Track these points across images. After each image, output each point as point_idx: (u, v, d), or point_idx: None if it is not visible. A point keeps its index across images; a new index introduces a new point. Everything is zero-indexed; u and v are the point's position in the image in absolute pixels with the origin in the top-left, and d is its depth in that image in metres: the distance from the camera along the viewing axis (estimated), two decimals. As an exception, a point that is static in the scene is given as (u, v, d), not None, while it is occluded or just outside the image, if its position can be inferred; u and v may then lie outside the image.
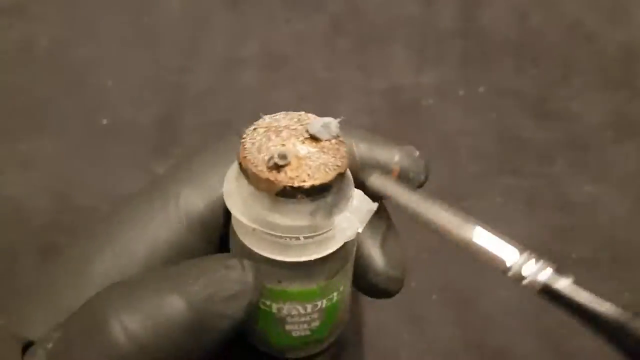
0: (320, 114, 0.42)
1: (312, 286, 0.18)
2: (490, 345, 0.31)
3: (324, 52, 0.43)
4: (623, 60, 0.41)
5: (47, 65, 0.43)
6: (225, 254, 0.18)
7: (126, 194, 0.38)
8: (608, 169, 0.37)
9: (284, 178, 0.15)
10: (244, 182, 0.16)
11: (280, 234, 0.16)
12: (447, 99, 0.40)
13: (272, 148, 0.16)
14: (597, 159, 0.37)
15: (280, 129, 0.17)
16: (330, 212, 0.16)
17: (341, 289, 0.19)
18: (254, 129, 0.17)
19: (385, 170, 0.20)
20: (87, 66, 0.43)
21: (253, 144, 0.17)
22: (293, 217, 0.16)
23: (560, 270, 0.11)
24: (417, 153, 0.22)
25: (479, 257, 0.13)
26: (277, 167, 0.16)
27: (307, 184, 0.15)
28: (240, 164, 0.16)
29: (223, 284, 0.16)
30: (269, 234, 0.16)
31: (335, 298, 0.18)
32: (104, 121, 0.40)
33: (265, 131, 0.17)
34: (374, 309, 0.32)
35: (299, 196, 0.15)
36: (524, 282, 0.12)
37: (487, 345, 0.31)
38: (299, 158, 0.16)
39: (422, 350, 0.31)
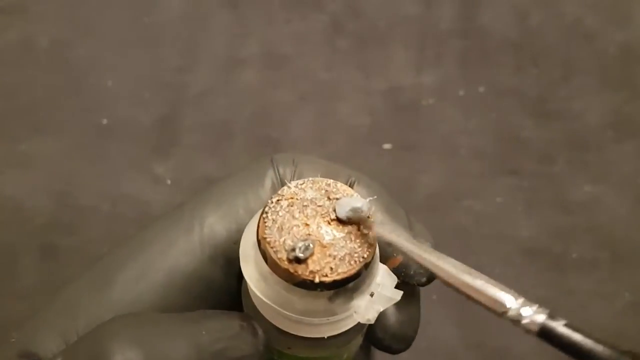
0: (321, 113, 0.42)
1: (323, 353, 0.17)
2: (490, 345, 0.31)
3: (324, 52, 0.43)
4: (623, 60, 0.41)
5: (47, 65, 0.43)
6: (241, 313, 0.18)
7: (126, 193, 0.38)
8: (608, 168, 0.37)
9: (304, 271, 0.14)
10: (262, 259, 0.15)
11: (295, 315, 0.15)
12: (447, 99, 0.40)
13: (295, 232, 0.15)
14: (597, 158, 0.37)
15: (305, 204, 0.16)
16: (350, 297, 0.15)
17: (353, 349, 0.18)
18: (278, 200, 0.16)
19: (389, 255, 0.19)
20: (87, 66, 0.43)
21: (275, 221, 0.15)
22: (310, 302, 0.15)
23: (552, 314, 0.12)
24: (429, 243, 0.21)
25: (480, 301, 0.13)
26: (299, 260, 0.14)
27: (329, 279, 0.14)
28: (259, 242, 0.15)
29: (235, 344, 0.16)
30: (283, 313, 0.15)
31: (345, 356, 0.18)
32: (104, 121, 0.40)
33: (289, 205, 0.16)
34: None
35: (319, 289, 0.14)
36: (523, 322, 0.13)
37: (487, 345, 0.31)
38: (322, 246, 0.15)
39: (422, 350, 0.30)
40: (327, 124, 0.39)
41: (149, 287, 0.19)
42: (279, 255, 0.14)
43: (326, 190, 0.16)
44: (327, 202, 0.16)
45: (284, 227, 0.15)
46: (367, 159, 0.38)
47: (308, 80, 0.42)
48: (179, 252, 0.19)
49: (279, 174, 0.20)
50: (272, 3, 0.46)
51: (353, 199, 0.16)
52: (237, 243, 0.17)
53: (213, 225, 0.19)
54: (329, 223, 0.15)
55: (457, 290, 0.15)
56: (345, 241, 0.15)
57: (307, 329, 0.16)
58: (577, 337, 0.13)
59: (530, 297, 0.36)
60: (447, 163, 0.37)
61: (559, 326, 0.13)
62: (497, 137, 0.39)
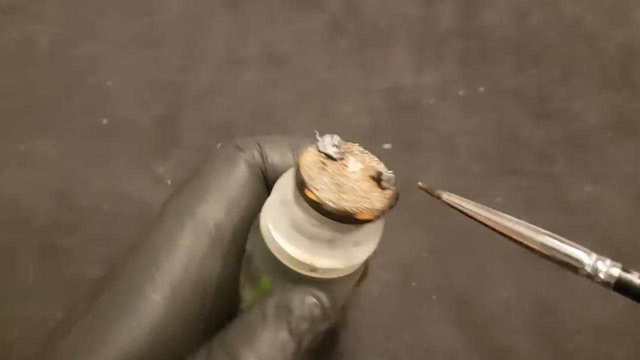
0: (321, 113, 0.42)
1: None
2: (490, 345, 0.31)
3: (324, 52, 0.43)
4: (623, 60, 0.41)
5: (47, 65, 0.43)
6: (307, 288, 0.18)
7: (126, 193, 0.38)
8: (608, 168, 0.37)
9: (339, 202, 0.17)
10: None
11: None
12: (447, 99, 0.40)
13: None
14: (597, 158, 0.37)
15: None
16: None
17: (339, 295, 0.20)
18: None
19: None
20: (87, 66, 0.43)
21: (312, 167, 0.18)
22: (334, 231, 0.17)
23: (626, 268, 0.12)
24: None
25: (555, 259, 0.14)
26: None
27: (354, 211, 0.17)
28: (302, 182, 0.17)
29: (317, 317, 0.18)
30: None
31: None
32: (104, 121, 0.40)
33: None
34: (374, 309, 0.32)
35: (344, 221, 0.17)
36: (599, 276, 0.14)
37: (487, 345, 0.31)
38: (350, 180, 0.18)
39: (422, 350, 0.31)
40: (327, 123, 0.40)
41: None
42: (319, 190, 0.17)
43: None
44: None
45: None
46: (367, 159, 0.38)
47: (308, 80, 0.42)
48: (182, 254, 0.19)
49: (249, 154, 0.21)
50: (272, 3, 0.46)
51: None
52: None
53: (206, 213, 0.20)
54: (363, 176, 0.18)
55: (532, 250, 0.16)
56: (370, 190, 0.17)
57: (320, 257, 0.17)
58: None
59: (531, 297, 0.36)
60: (447, 163, 0.37)
61: (635, 278, 0.14)
62: (497, 137, 0.39)
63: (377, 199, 0.17)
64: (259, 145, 0.22)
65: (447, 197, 0.17)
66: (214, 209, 0.20)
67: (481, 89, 0.41)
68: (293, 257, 0.17)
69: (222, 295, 0.20)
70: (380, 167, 0.19)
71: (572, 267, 0.14)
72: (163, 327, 0.18)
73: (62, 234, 0.35)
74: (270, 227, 0.18)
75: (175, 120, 0.40)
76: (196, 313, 0.19)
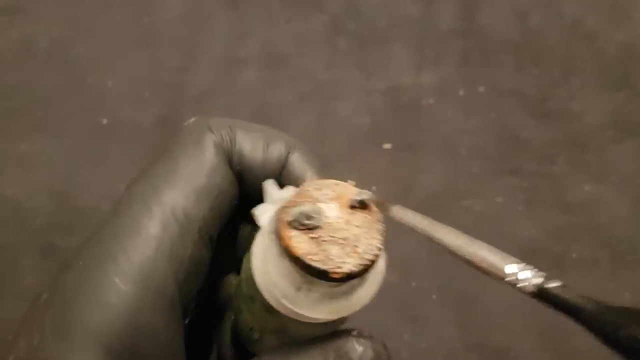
0: (321, 113, 0.42)
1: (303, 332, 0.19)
2: (490, 344, 0.31)
3: (324, 52, 0.43)
4: (623, 60, 0.41)
5: (47, 65, 0.43)
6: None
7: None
8: (608, 168, 0.37)
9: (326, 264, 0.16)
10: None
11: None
12: (447, 99, 0.40)
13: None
14: (597, 158, 0.37)
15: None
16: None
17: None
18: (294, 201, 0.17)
19: None
20: (87, 66, 0.43)
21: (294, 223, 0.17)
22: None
23: (549, 277, 0.13)
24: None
25: (482, 268, 0.15)
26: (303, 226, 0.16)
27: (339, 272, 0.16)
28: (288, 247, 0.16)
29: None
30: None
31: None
32: (104, 121, 0.40)
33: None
34: (374, 309, 0.32)
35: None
36: (520, 285, 0.14)
37: (486, 344, 0.31)
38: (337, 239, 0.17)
39: (422, 350, 0.31)
40: (327, 123, 0.39)
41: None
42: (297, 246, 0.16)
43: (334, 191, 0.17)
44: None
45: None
46: (367, 158, 0.38)
47: (308, 80, 0.42)
48: (151, 242, 0.18)
49: (220, 138, 0.20)
50: (272, 3, 0.46)
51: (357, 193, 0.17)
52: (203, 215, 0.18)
53: (174, 200, 0.19)
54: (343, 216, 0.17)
55: (463, 260, 0.16)
56: (358, 234, 0.16)
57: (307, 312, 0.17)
58: (568, 296, 0.14)
59: (530, 298, 0.36)
60: (447, 163, 0.37)
61: (553, 287, 0.14)
62: (497, 137, 0.39)
63: (365, 245, 0.16)
64: (231, 129, 0.21)
65: (398, 211, 0.16)
66: (183, 197, 0.19)
67: (481, 89, 0.41)
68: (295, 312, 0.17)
69: (194, 283, 0.19)
70: (354, 191, 0.17)
71: (498, 275, 0.15)
72: (136, 316, 0.18)
73: (62, 234, 0.35)
74: (262, 278, 0.17)
75: (175, 120, 0.40)
76: (169, 300, 0.18)
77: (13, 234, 0.35)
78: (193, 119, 0.21)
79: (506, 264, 0.15)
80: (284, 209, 0.17)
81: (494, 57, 0.42)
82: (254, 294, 0.18)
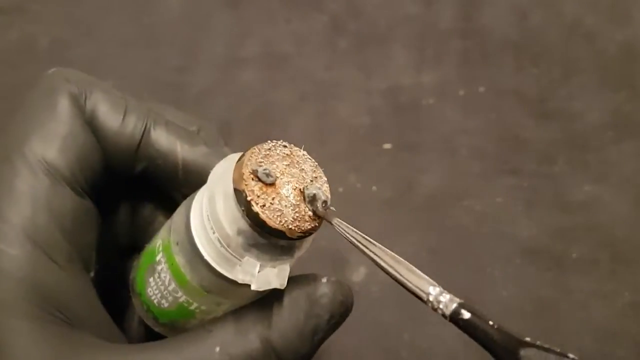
0: (321, 113, 0.42)
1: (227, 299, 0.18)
2: (490, 345, 0.31)
3: (324, 51, 0.43)
4: (623, 60, 0.41)
5: (47, 65, 0.43)
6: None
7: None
8: (608, 168, 0.37)
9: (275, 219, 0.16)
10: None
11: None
12: (447, 99, 0.40)
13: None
14: (597, 158, 0.37)
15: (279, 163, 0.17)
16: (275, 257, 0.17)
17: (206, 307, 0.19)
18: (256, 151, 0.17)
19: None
20: (87, 66, 0.43)
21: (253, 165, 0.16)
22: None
23: (465, 304, 0.14)
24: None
25: (408, 289, 0.16)
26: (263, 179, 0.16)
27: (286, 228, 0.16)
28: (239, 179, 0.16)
29: None
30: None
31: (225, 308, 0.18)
32: (104, 121, 0.40)
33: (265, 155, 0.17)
34: (375, 310, 0.32)
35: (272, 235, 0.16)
36: (438, 307, 0.15)
37: (487, 345, 0.31)
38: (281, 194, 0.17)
39: (422, 350, 0.31)
40: (327, 123, 0.40)
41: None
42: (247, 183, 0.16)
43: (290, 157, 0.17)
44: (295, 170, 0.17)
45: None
46: (367, 158, 0.38)
47: (308, 80, 0.42)
48: (25, 199, 0.17)
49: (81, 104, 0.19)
50: (272, 3, 0.46)
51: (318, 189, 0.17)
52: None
53: (37, 153, 0.18)
54: (295, 190, 0.16)
55: (392, 277, 0.16)
56: (300, 207, 0.16)
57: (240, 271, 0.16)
58: (477, 323, 0.14)
59: (531, 297, 0.36)
60: (447, 163, 0.37)
61: (466, 314, 0.14)
62: (497, 137, 0.39)
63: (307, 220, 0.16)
64: (89, 85, 0.20)
65: (338, 223, 0.17)
66: (45, 147, 0.18)
67: (481, 89, 0.41)
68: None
69: (87, 234, 0.19)
70: (318, 182, 0.17)
71: (419, 297, 0.16)
72: (33, 278, 0.17)
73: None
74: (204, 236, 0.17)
75: (175, 120, 0.40)
76: (64, 255, 0.18)
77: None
78: (53, 69, 0.20)
79: (428, 286, 0.16)
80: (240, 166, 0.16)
81: (494, 57, 0.42)
82: (192, 264, 0.17)
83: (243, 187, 0.16)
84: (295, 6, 0.45)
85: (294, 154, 0.17)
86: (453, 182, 0.37)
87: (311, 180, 0.17)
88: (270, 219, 0.15)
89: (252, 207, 0.15)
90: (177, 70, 0.42)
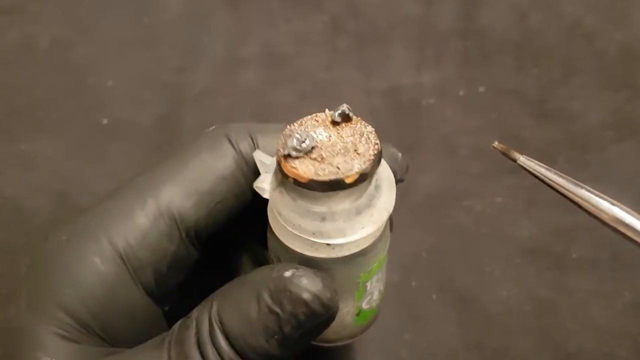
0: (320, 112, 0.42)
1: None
2: (490, 344, 0.31)
3: (324, 51, 0.43)
4: (623, 60, 0.42)
5: (48, 65, 0.43)
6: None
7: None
8: (608, 168, 0.37)
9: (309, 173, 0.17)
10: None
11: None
12: (447, 99, 0.40)
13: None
14: (597, 158, 0.37)
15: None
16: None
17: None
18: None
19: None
20: (88, 66, 0.43)
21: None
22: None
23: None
24: (400, 155, 0.24)
25: (626, 237, 0.17)
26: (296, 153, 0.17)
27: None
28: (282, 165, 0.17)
29: None
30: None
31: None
32: (104, 121, 0.40)
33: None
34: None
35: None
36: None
37: (487, 344, 0.31)
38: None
39: (422, 350, 0.31)
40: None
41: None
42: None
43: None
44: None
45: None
46: (367, 158, 0.38)
47: (308, 80, 0.42)
48: (137, 232, 0.19)
49: (238, 148, 0.21)
50: (272, 3, 0.46)
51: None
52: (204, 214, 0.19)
53: (171, 198, 0.19)
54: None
55: (603, 222, 0.18)
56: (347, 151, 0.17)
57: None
58: None
59: (531, 297, 0.36)
60: (447, 163, 0.37)
61: None
62: (497, 136, 0.38)
63: (357, 162, 0.17)
64: (251, 138, 0.21)
65: (524, 160, 0.18)
66: (183, 197, 0.19)
67: (481, 89, 0.41)
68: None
69: (175, 277, 0.20)
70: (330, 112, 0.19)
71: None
72: (111, 296, 0.18)
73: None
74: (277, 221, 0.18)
75: (175, 120, 0.40)
76: (146, 287, 0.19)
77: (13, 234, 0.35)
78: (213, 127, 0.22)
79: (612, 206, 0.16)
80: (278, 150, 0.17)
81: (494, 57, 0.42)
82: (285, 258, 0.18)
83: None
84: (295, 6, 0.45)
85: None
86: (453, 181, 0.37)
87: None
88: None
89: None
90: (177, 70, 0.42)
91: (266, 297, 0.16)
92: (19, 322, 0.18)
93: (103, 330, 0.18)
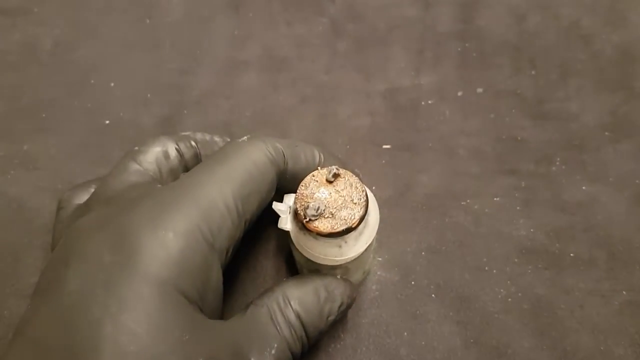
0: (321, 115, 0.42)
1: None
2: (489, 343, 0.31)
3: (325, 54, 0.44)
4: (620, 62, 0.42)
5: (51, 67, 0.43)
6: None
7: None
8: (605, 169, 0.37)
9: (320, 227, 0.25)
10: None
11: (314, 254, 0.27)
12: (446, 100, 0.41)
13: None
14: (595, 159, 0.37)
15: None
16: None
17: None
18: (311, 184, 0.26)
19: None
20: (90, 67, 0.43)
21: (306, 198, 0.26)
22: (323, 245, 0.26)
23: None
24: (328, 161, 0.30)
25: None
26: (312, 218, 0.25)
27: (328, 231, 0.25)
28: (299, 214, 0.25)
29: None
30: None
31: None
32: (107, 121, 0.40)
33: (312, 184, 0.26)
34: (374, 308, 0.32)
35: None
36: None
37: (485, 343, 0.31)
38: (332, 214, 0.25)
39: (421, 348, 0.31)
40: (327, 125, 0.40)
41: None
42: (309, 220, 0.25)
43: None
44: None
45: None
46: (367, 159, 0.38)
47: (309, 82, 0.42)
48: (215, 214, 0.23)
49: (273, 154, 0.27)
50: (273, 6, 0.46)
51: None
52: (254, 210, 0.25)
53: (235, 193, 0.24)
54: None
55: None
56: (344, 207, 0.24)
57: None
58: None
59: (528, 296, 0.36)
60: (446, 163, 0.38)
61: None
62: (495, 137, 0.39)
63: (355, 211, 0.24)
64: (284, 155, 0.27)
65: None
66: (240, 192, 0.24)
67: (479, 90, 0.41)
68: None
69: (231, 251, 0.24)
70: (323, 172, 0.25)
71: None
72: (185, 259, 0.22)
73: (64, 234, 0.35)
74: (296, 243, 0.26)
75: (177, 121, 0.40)
76: (215, 254, 0.23)
77: (16, 234, 0.36)
78: (246, 137, 0.28)
79: None
80: (299, 214, 0.24)
81: (492, 58, 0.43)
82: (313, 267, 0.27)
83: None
84: (296, 10, 0.46)
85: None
86: (452, 182, 0.37)
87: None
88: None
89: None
90: (179, 72, 0.43)
91: (322, 294, 0.26)
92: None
93: (202, 304, 0.22)
